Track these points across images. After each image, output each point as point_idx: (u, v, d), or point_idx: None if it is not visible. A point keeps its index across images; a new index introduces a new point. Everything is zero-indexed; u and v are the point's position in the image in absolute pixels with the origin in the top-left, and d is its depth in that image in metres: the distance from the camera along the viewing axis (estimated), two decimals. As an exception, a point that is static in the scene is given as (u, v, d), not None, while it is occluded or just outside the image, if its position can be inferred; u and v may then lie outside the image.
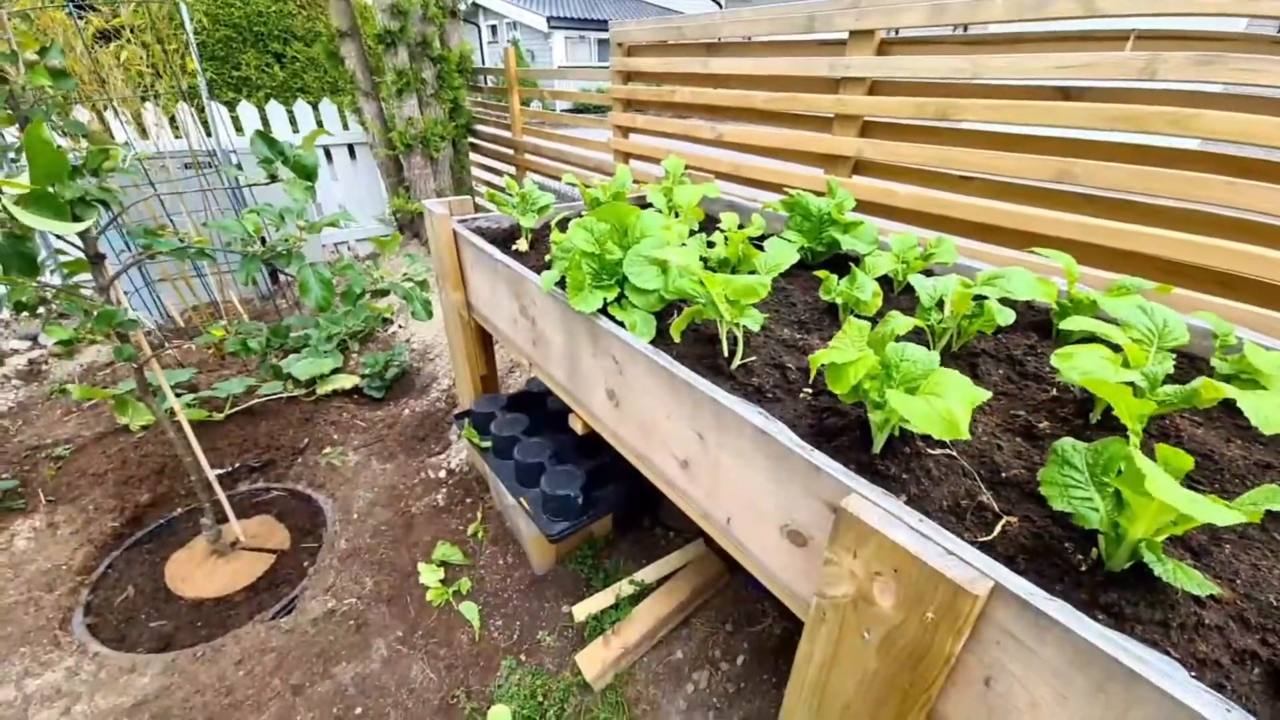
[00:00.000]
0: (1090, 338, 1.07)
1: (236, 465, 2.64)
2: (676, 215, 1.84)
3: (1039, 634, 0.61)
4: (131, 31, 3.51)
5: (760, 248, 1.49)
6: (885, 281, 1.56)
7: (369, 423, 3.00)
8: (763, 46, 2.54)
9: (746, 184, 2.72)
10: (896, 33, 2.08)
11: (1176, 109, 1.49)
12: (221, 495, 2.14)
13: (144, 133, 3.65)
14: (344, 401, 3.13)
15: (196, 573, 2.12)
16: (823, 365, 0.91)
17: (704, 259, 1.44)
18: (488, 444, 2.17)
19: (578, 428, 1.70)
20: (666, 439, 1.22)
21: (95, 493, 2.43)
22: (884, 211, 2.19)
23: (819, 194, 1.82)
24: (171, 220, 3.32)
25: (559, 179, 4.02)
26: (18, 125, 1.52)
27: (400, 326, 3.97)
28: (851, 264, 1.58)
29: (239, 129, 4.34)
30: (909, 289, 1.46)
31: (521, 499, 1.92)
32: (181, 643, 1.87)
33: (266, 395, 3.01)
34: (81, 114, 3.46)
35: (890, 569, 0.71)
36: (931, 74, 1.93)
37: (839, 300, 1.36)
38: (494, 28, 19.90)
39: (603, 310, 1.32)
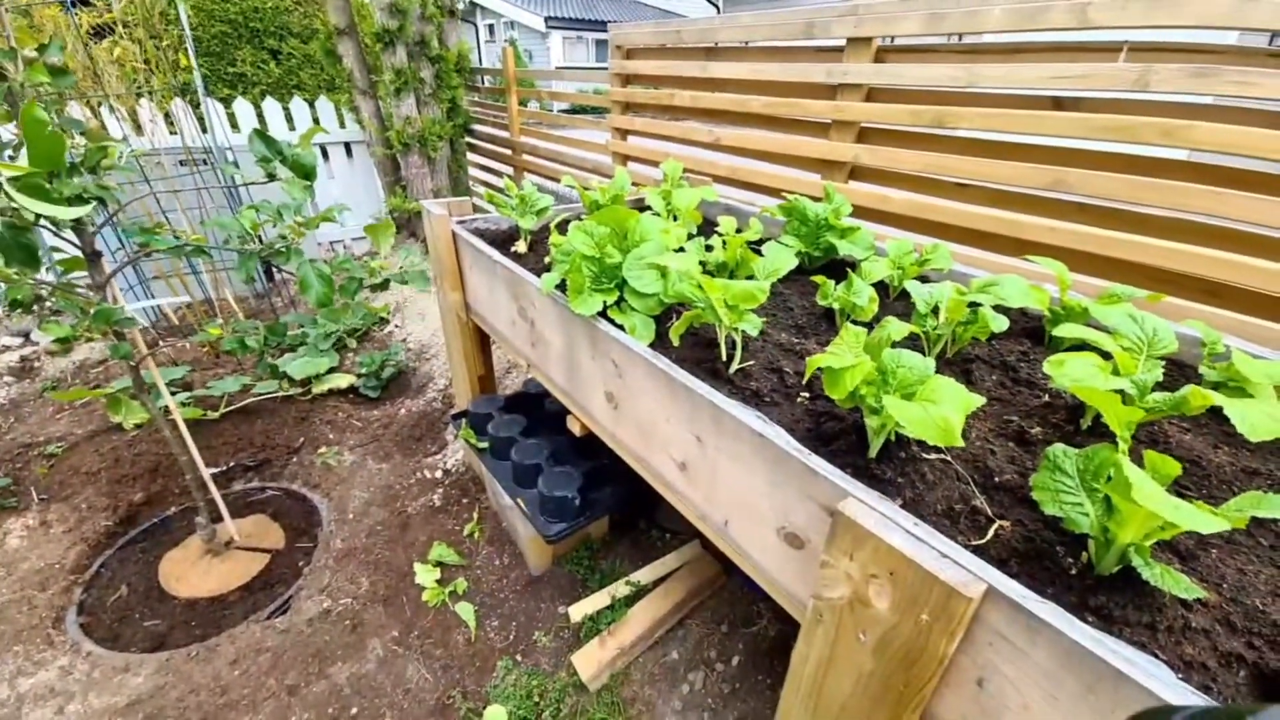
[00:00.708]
0: (1082, 345, 1.09)
1: (231, 464, 2.62)
2: (675, 218, 1.86)
3: (1030, 636, 0.63)
4: (124, 26, 3.49)
5: (758, 252, 1.51)
6: (881, 287, 1.58)
7: (365, 422, 2.99)
8: (761, 52, 2.56)
9: (744, 188, 2.74)
10: (893, 40, 2.09)
11: (1168, 120, 1.51)
12: (216, 494, 2.13)
13: (139, 129, 3.63)
14: (340, 401, 3.12)
15: (191, 572, 2.11)
16: (819, 369, 0.93)
17: (702, 263, 1.45)
18: (485, 444, 2.17)
19: (575, 429, 1.71)
20: (665, 442, 1.23)
21: (88, 491, 2.42)
22: (880, 217, 2.21)
23: (816, 199, 1.84)
24: (167, 217, 3.31)
25: (556, 180, 4.02)
26: (15, 123, 1.51)
27: (397, 326, 3.97)
28: (848, 269, 1.60)
29: (235, 126, 4.32)
30: (905, 294, 1.48)
31: (519, 500, 1.92)
32: (176, 642, 1.86)
33: (262, 394, 3.00)
34: (76, 110, 3.44)
35: (886, 571, 0.72)
36: (928, 82, 1.95)
37: (836, 305, 1.38)
38: (491, 27, 19.84)
39: (602, 313, 1.32)
